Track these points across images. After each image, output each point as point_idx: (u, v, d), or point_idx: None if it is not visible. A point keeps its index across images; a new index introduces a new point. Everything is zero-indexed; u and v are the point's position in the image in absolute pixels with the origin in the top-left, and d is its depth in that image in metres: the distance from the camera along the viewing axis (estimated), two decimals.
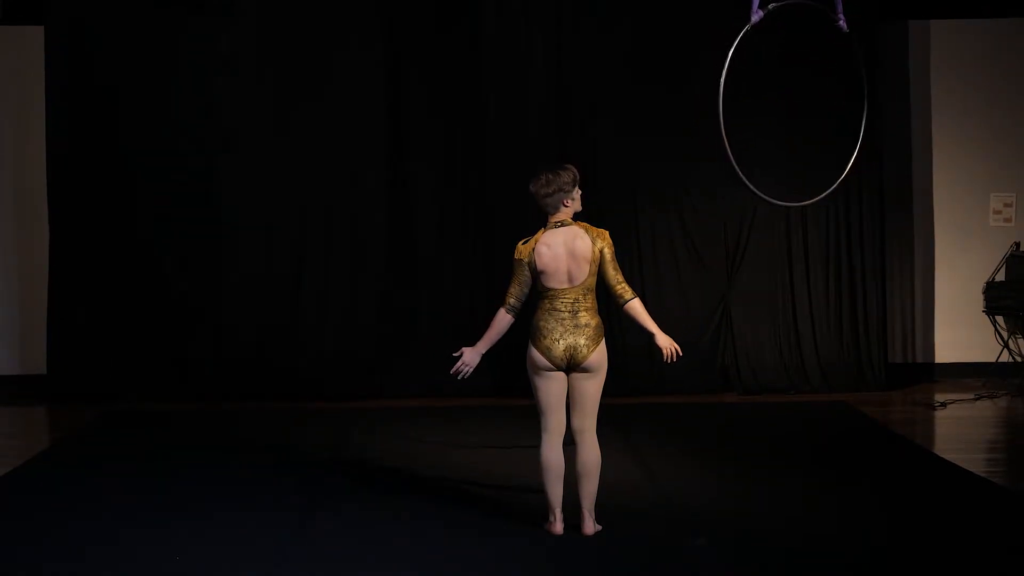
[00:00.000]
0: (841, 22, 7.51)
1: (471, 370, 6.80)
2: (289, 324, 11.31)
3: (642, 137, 11.33)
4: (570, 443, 6.79)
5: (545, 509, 6.82)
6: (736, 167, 7.59)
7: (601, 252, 6.62)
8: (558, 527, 6.76)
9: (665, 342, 6.74)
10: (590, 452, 6.71)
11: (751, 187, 7.79)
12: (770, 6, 7.58)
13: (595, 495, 6.75)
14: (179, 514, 7.36)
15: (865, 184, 11.41)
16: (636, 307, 6.71)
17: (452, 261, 11.38)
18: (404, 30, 11.27)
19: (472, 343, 10.87)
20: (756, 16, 7.60)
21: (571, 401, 6.74)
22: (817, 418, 10.40)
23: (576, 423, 6.73)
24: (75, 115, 11.19)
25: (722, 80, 7.56)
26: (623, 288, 6.69)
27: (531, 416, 10.00)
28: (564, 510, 6.78)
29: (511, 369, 11.23)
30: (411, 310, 11.38)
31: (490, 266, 11.19)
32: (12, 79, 11.75)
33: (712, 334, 11.48)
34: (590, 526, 6.75)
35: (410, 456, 8.94)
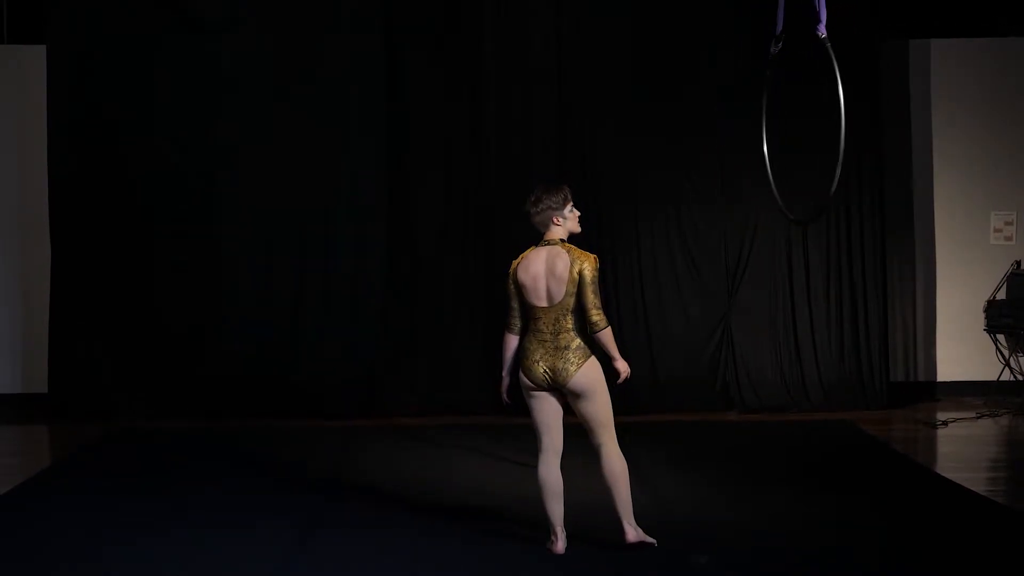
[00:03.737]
0: (820, 28, 7.50)
1: (504, 392, 6.91)
2: (289, 341, 11.31)
3: (642, 149, 11.32)
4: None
5: (547, 527, 6.82)
6: (773, 185, 7.59)
7: (580, 274, 6.57)
8: (559, 546, 6.75)
9: (623, 367, 6.73)
10: (611, 463, 6.68)
11: (779, 201, 7.79)
12: (779, 34, 7.63)
13: (629, 503, 6.73)
14: (179, 531, 7.36)
15: (866, 201, 11.43)
16: (605, 337, 6.64)
17: (451, 276, 11.38)
18: (404, 38, 11.29)
19: (470, 359, 11.07)
20: (776, 47, 7.65)
21: (582, 423, 6.73)
22: (818, 436, 10.39)
23: (592, 441, 6.73)
24: (76, 134, 11.21)
25: (763, 108, 7.57)
26: (598, 316, 6.60)
27: (531, 434, 10.03)
28: (566, 529, 6.77)
29: (511, 388, 11.27)
30: (410, 326, 11.37)
31: (490, 280, 11.19)
32: (13, 98, 11.79)
33: (713, 352, 11.48)
34: (631, 534, 6.72)
35: (410, 473, 8.94)
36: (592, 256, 6.66)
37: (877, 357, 11.49)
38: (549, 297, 6.61)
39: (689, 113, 11.27)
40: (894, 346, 11.96)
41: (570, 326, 6.62)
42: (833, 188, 7.86)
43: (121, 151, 11.22)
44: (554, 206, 6.67)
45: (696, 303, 11.49)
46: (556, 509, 6.75)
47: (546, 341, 6.63)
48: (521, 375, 6.71)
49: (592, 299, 6.59)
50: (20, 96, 11.77)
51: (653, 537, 6.80)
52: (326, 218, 11.33)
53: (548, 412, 6.72)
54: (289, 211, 11.28)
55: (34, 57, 11.50)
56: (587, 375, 6.61)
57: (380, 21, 11.27)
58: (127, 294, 11.25)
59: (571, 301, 6.60)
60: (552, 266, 6.60)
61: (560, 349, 6.60)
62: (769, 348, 11.52)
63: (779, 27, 7.68)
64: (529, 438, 9.95)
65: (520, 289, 6.68)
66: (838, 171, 7.59)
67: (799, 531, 7.38)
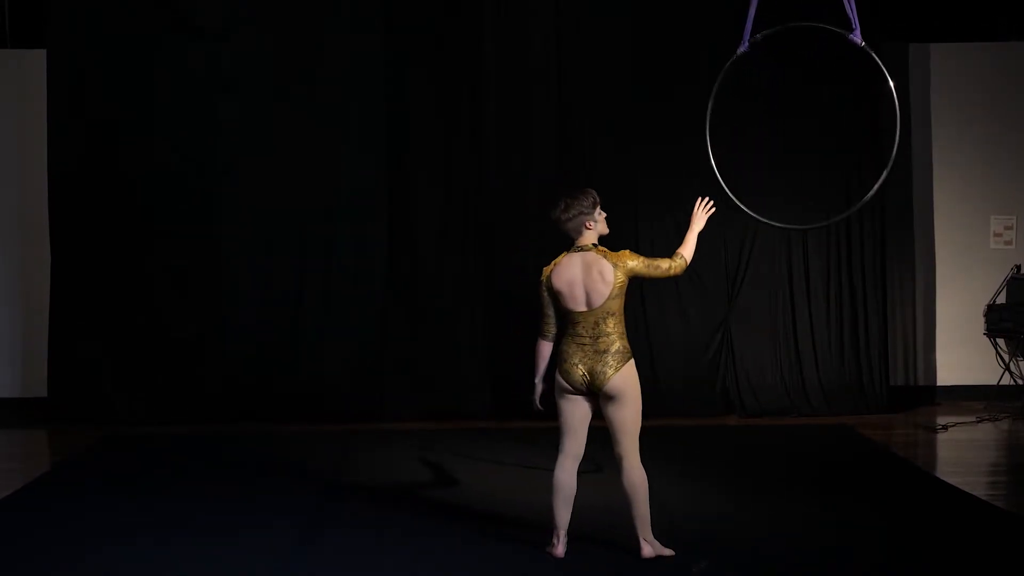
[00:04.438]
0: (856, 37, 7.45)
1: (537, 399, 6.90)
2: (289, 342, 11.28)
3: (643, 150, 11.27)
4: (590, 470, 6.77)
5: (549, 530, 6.80)
6: (729, 194, 7.57)
7: (631, 272, 6.64)
8: (559, 550, 6.75)
9: (700, 217, 6.99)
10: (631, 474, 6.67)
11: (748, 211, 7.77)
12: (757, 36, 7.57)
13: (647, 518, 6.70)
14: (179, 535, 7.36)
15: (866, 206, 11.40)
16: (689, 254, 6.89)
17: (451, 276, 11.33)
18: (404, 38, 11.26)
19: (470, 360, 11.06)
20: (744, 47, 7.59)
21: (609, 430, 6.70)
22: (818, 441, 10.38)
23: (616, 450, 6.70)
24: (76, 139, 11.19)
25: (708, 111, 7.55)
26: (671, 265, 6.79)
27: (531, 438, 10.01)
28: (569, 533, 6.76)
29: (511, 392, 11.25)
30: (411, 327, 11.33)
31: (490, 280, 11.21)
32: (14, 101, 11.78)
33: (713, 356, 11.47)
34: (646, 550, 6.70)
35: (410, 475, 8.95)
36: (625, 252, 6.70)
37: (877, 361, 11.48)
38: (588, 302, 6.62)
39: (689, 113, 11.21)
40: (894, 350, 11.96)
41: (610, 329, 6.62)
42: (871, 194, 7.85)
43: (121, 153, 11.20)
44: (585, 211, 6.69)
45: (696, 307, 11.48)
46: (563, 513, 6.74)
47: (585, 345, 6.63)
48: (558, 377, 6.69)
49: (656, 270, 6.74)
50: (21, 99, 11.76)
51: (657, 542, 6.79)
52: (326, 218, 11.30)
53: (577, 416, 6.72)
54: (289, 211, 11.25)
55: (35, 61, 11.49)
56: (624, 378, 6.62)
57: (380, 21, 11.25)
58: (127, 297, 11.23)
59: (612, 304, 6.61)
60: (590, 272, 6.61)
61: (600, 352, 6.61)
62: (769, 352, 11.51)
63: (747, 34, 7.62)
64: (528, 441, 9.96)
65: (556, 296, 6.68)
66: (884, 175, 7.58)
67: (799, 535, 7.38)
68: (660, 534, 6.83)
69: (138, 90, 11.19)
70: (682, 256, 6.86)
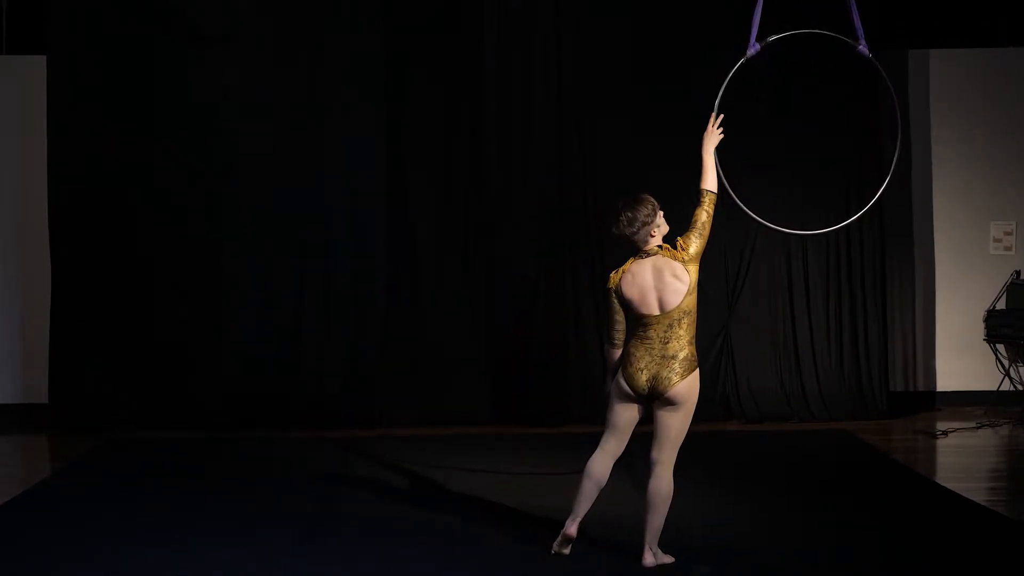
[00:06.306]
0: (862, 47, 7.48)
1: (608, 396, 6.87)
2: (289, 347, 11.26)
3: (642, 151, 11.21)
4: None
5: (555, 527, 6.78)
6: (736, 199, 7.55)
7: (698, 257, 6.61)
8: (572, 529, 6.73)
9: (714, 137, 6.92)
10: (660, 483, 6.65)
11: (756, 217, 7.76)
12: (769, 39, 7.56)
13: (659, 530, 6.67)
14: (179, 541, 7.35)
15: (865, 212, 11.40)
16: (710, 187, 6.83)
17: (452, 277, 11.32)
18: (404, 38, 11.27)
19: (470, 362, 11.05)
20: (752, 50, 7.58)
21: (653, 432, 6.68)
22: (818, 447, 10.37)
23: (653, 454, 6.67)
24: (76, 143, 11.18)
25: (715, 109, 7.52)
26: (708, 213, 6.73)
27: (531, 442, 10.01)
28: (582, 523, 6.75)
29: (511, 394, 11.25)
30: (411, 329, 11.30)
31: (490, 284, 11.19)
32: (14, 108, 11.78)
33: (713, 362, 11.46)
34: (648, 559, 6.67)
35: (410, 479, 8.93)
36: (678, 241, 6.65)
37: (877, 367, 11.48)
38: (662, 305, 6.57)
39: (689, 115, 11.20)
40: (894, 356, 11.95)
41: (682, 332, 6.57)
42: (872, 202, 7.89)
43: (121, 156, 11.20)
44: (649, 220, 6.64)
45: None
46: (586, 501, 6.73)
47: (653, 348, 6.58)
48: (621, 379, 6.65)
49: (706, 229, 6.69)
50: (21, 106, 11.75)
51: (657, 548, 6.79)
52: (326, 219, 11.29)
53: (627, 419, 6.72)
54: (289, 212, 11.24)
55: (35, 66, 11.47)
56: (688, 387, 6.57)
57: (380, 21, 11.26)
58: (127, 301, 11.20)
59: (688, 301, 6.56)
60: (662, 276, 6.56)
61: (667, 358, 6.56)
62: (769, 358, 11.51)
63: (753, 37, 7.60)
64: (528, 446, 9.96)
65: (627, 303, 6.64)
66: (884, 185, 7.60)
67: (799, 540, 7.37)
68: (660, 539, 6.82)
69: (138, 93, 11.17)
70: (707, 192, 6.78)
